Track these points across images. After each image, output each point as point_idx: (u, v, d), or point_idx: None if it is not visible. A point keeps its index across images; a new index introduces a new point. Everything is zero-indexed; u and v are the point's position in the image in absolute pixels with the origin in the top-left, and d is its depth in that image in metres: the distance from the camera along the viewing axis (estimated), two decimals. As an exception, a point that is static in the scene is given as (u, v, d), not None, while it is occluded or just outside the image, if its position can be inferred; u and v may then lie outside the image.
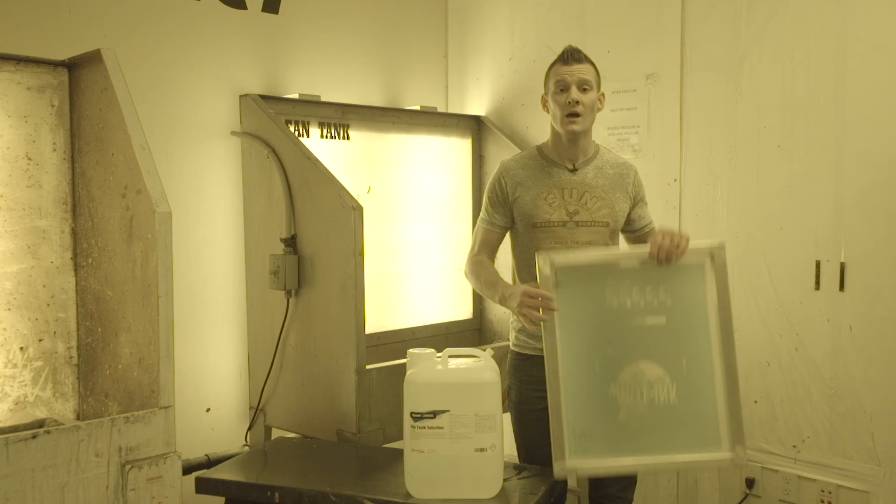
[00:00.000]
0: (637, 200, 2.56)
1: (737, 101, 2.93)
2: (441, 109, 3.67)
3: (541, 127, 3.51)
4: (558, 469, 2.22)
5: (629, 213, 2.54)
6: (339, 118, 3.18)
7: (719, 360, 2.26)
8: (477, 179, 3.65)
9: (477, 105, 3.72)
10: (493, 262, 2.57)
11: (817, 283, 2.76)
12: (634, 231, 2.57)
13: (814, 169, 2.76)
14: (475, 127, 3.66)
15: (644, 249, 2.29)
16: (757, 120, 2.88)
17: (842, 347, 2.72)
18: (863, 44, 2.64)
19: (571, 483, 2.31)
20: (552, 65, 2.51)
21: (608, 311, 2.27)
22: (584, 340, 2.28)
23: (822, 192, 2.74)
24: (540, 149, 2.57)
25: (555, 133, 2.53)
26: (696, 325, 2.27)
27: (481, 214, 2.60)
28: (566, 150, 2.51)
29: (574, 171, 2.51)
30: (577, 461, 2.24)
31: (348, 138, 3.21)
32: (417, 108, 3.49)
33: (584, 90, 2.44)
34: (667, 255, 2.23)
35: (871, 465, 2.67)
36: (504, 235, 2.58)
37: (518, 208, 2.51)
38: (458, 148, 3.62)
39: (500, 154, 3.56)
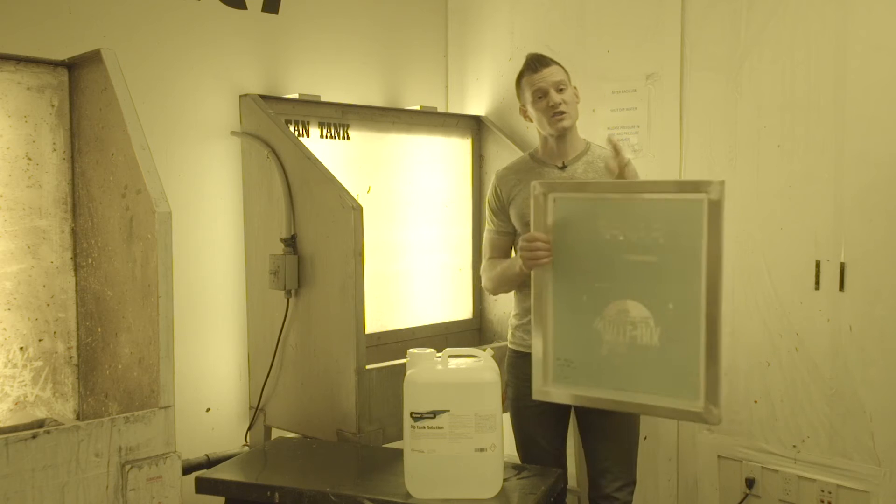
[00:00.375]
0: None
1: (737, 101, 2.93)
2: (441, 109, 3.67)
3: (541, 127, 3.52)
4: (536, 391, 2.27)
5: None
6: (339, 118, 3.18)
7: (703, 310, 2.14)
8: (477, 179, 3.65)
9: (477, 105, 3.71)
10: None
11: (817, 283, 2.76)
12: None
13: (814, 169, 2.76)
14: (475, 127, 3.66)
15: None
16: (757, 120, 2.88)
17: (842, 347, 2.72)
18: (863, 44, 2.64)
19: (555, 399, 2.35)
20: (521, 76, 2.58)
21: (601, 243, 2.24)
22: (575, 270, 2.28)
23: (822, 192, 2.74)
24: (532, 154, 2.66)
25: (542, 137, 2.60)
26: (687, 269, 2.16)
27: (486, 226, 2.68)
28: (556, 150, 2.57)
29: (563, 168, 2.56)
30: (555, 387, 2.28)
31: (348, 138, 3.21)
32: (417, 108, 3.49)
33: (561, 90, 2.51)
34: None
35: (871, 465, 2.67)
36: (512, 240, 2.63)
37: (513, 211, 2.57)
38: (458, 148, 3.62)
39: (500, 154, 3.56)
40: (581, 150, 2.59)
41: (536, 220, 2.30)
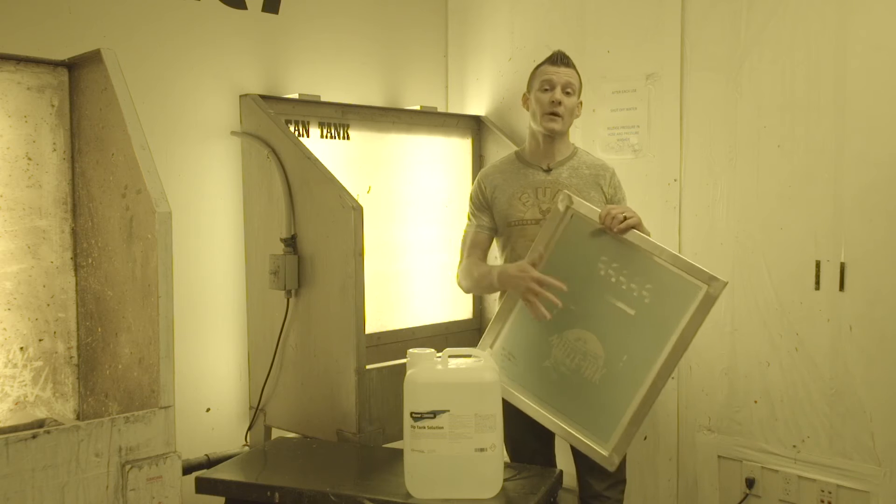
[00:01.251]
0: (613, 202, 2.59)
1: (737, 101, 2.93)
2: (441, 109, 3.67)
3: (541, 127, 3.52)
4: (482, 345, 2.46)
5: None
6: (339, 118, 3.18)
7: (650, 379, 2.29)
8: (477, 179, 3.65)
9: (477, 105, 3.72)
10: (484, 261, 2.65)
11: (817, 283, 2.76)
12: None
13: (814, 169, 2.76)
14: (475, 127, 3.66)
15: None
16: (757, 120, 2.88)
17: (842, 347, 2.72)
18: (863, 44, 2.64)
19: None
20: (539, 65, 2.60)
21: (592, 275, 2.35)
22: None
23: (822, 192, 2.74)
24: (518, 153, 2.68)
25: (532, 134, 2.62)
26: (656, 336, 2.30)
27: (467, 223, 2.70)
28: (542, 152, 2.60)
29: (548, 171, 2.58)
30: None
31: (348, 138, 3.21)
32: (417, 108, 3.49)
33: (567, 93, 2.53)
34: (611, 222, 2.32)
35: (871, 465, 2.67)
36: (492, 237, 2.67)
37: (496, 209, 2.61)
38: (458, 148, 3.62)
39: (500, 154, 3.54)
40: (567, 154, 2.61)
41: (548, 226, 2.39)
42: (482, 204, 2.65)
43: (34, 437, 1.80)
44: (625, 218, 2.32)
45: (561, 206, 2.39)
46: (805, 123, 2.77)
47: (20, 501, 1.78)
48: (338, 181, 2.66)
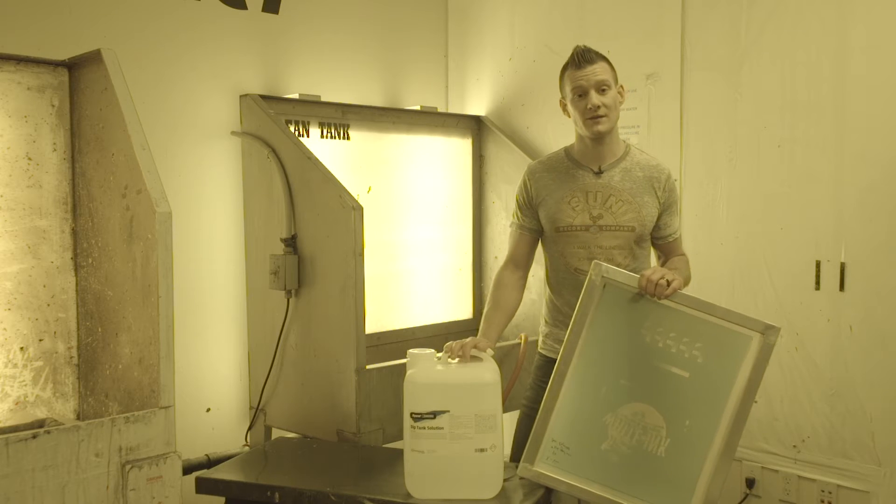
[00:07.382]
0: (666, 206, 2.46)
1: (737, 101, 2.93)
2: (441, 109, 3.67)
3: (541, 127, 3.52)
4: (522, 469, 2.21)
5: (659, 218, 2.46)
6: (339, 118, 3.18)
7: (722, 437, 2.16)
8: (477, 179, 3.65)
9: (477, 105, 3.72)
10: (525, 269, 2.53)
11: (817, 283, 2.76)
12: (659, 239, 2.49)
13: (814, 169, 2.76)
14: (475, 127, 3.66)
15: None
16: (757, 120, 2.88)
17: (842, 347, 2.72)
18: (862, 44, 2.65)
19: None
20: (565, 69, 2.43)
21: (639, 344, 2.21)
22: (602, 361, 2.22)
23: (822, 192, 2.74)
24: (567, 150, 2.52)
25: (579, 137, 2.47)
26: (716, 394, 2.18)
27: (512, 219, 2.56)
28: (592, 153, 2.44)
29: (599, 173, 2.44)
30: (543, 468, 2.20)
31: (348, 138, 3.21)
32: (417, 108, 3.50)
33: (603, 91, 2.36)
34: (654, 290, 2.16)
35: (871, 465, 2.68)
36: (536, 238, 2.53)
37: (543, 212, 2.47)
38: (458, 148, 3.62)
39: (500, 154, 3.56)
40: (619, 154, 2.46)
41: (584, 300, 2.23)
42: (525, 202, 2.50)
43: (34, 437, 1.80)
44: (668, 282, 2.17)
45: (596, 278, 2.22)
46: (805, 123, 2.77)
47: (20, 501, 1.78)
48: (338, 181, 2.66)
